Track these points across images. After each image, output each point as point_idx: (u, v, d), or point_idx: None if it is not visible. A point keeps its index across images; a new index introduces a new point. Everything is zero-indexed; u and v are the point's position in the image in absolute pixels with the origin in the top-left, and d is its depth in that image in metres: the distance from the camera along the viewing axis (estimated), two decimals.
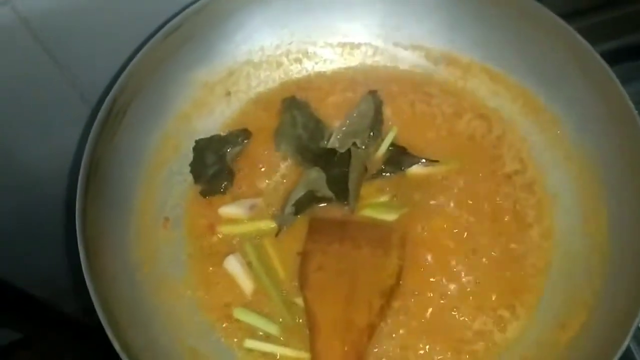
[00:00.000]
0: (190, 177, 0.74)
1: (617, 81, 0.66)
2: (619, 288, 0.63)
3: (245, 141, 0.75)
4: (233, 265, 0.69)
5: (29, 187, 0.91)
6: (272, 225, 0.71)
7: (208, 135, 0.76)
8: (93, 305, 0.57)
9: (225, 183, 0.73)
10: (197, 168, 0.74)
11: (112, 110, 0.66)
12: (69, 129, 0.84)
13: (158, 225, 0.71)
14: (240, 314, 0.67)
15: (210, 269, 0.70)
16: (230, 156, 0.74)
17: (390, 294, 0.64)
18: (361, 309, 0.62)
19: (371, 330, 0.62)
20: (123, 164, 0.69)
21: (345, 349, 0.59)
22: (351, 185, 0.71)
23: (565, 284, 0.67)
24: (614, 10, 0.86)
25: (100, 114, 0.64)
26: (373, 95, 0.78)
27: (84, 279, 0.57)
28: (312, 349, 0.61)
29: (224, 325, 0.68)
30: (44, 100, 0.78)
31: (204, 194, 0.73)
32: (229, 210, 0.72)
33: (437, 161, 0.74)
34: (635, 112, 0.64)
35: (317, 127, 0.77)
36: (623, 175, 0.67)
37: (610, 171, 0.68)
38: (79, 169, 0.62)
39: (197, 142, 0.75)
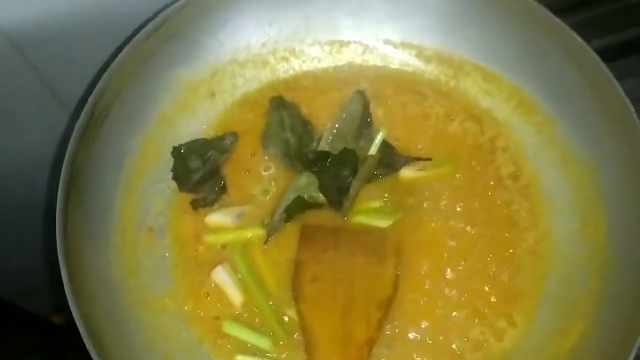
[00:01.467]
0: (174, 184, 0.70)
1: (614, 79, 0.64)
2: (620, 295, 0.61)
3: (233, 144, 0.72)
4: (221, 276, 0.66)
5: None
6: (261, 233, 0.68)
7: (192, 139, 0.72)
8: (63, 303, 0.53)
9: (217, 197, 0.70)
10: (180, 174, 0.71)
11: (93, 114, 0.62)
12: (42, 132, 0.80)
13: (141, 235, 0.68)
14: (230, 328, 0.64)
15: (198, 280, 0.67)
16: (220, 162, 0.71)
17: (387, 305, 0.62)
18: (360, 322, 0.60)
19: (370, 345, 0.59)
20: (103, 170, 0.66)
21: None
22: (352, 191, 0.68)
23: (563, 291, 0.66)
24: (607, 4, 0.85)
25: (81, 119, 0.61)
26: (360, 94, 0.75)
27: (56, 276, 0.54)
28: None
29: (213, 339, 0.64)
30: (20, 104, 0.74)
31: (195, 205, 0.70)
32: (216, 218, 0.69)
33: (430, 159, 0.72)
34: (633, 109, 0.63)
35: (305, 130, 0.74)
36: (622, 177, 0.65)
37: (608, 173, 0.67)
38: (57, 175, 0.59)
39: (175, 148, 0.70)
